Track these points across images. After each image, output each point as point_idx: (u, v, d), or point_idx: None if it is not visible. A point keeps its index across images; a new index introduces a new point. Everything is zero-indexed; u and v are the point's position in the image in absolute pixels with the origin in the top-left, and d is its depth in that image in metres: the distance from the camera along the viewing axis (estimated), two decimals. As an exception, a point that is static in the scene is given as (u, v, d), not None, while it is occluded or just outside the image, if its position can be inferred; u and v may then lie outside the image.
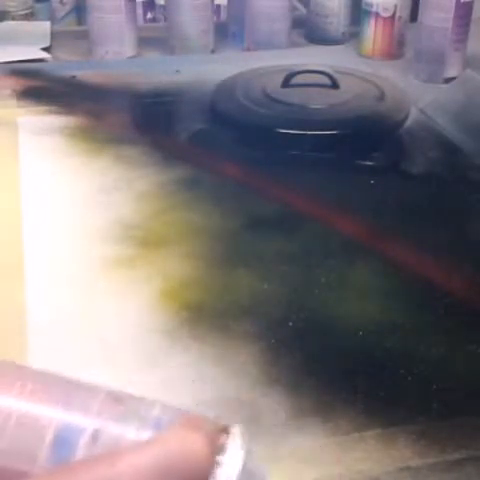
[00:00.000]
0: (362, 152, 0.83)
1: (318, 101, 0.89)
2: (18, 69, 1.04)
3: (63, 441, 0.29)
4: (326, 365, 0.51)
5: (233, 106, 0.89)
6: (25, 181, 0.75)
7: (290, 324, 0.55)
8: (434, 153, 0.86)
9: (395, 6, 1.09)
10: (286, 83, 0.92)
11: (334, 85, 0.92)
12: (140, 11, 1.31)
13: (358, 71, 1.00)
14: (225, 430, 0.29)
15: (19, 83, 0.99)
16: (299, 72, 0.92)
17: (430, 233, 0.68)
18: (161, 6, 1.34)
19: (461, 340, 0.54)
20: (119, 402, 0.30)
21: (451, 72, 1.02)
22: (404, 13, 1.11)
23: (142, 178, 0.76)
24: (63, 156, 0.80)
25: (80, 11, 1.32)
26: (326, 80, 0.92)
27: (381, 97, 0.91)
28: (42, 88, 0.99)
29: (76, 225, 0.67)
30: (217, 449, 0.28)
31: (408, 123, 0.89)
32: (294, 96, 0.90)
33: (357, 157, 0.82)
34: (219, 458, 0.28)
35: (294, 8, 1.23)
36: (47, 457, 0.28)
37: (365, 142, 0.85)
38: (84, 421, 0.29)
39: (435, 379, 0.50)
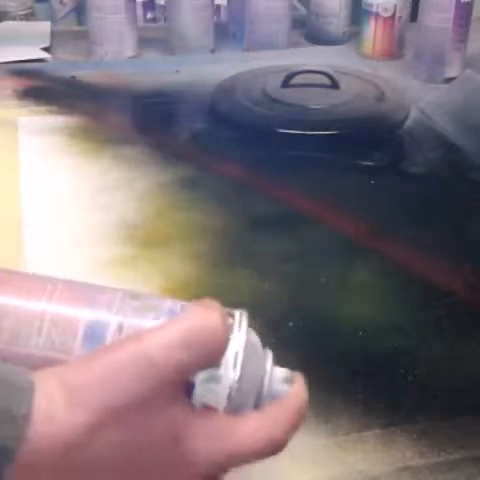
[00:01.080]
0: (362, 152, 0.83)
1: (318, 101, 0.89)
2: (18, 69, 1.04)
3: (92, 335, 0.33)
4: (326, 365, 0.51)
5: (233, 106, 0.89)
6: (25, 181, 0.75)
7: (290, 324, 0.55)
8: (434, 153, 0.86)
9: (395, 6, 1.09)
10: (286, 83, 0.92)
11: (334, 85, 0.92)
12: (140, 11, 1.31)
13: (358, 71, 1.00)
14: (230, 313, 0.35)
15: (19, 83, 0.99)
16: (299, 72, 0.93)
17: (430, 233, 0.68)
18: (161, 6, 1.34)
19: (461, 340, 0.54)
20: (135, 298, 0.34)
21: (451, 72, 1.02)
22: (404, 13, 1.11)
23: (142, 178, 0.76)
24: (63, 156, 0.80)
25: (80, 11, 1.32)
26: (326, 80, 0.92)
27: (381, 97, 0.91)
28: (42, 88, 0.99)
29: (77, 225, 0.67)
30: (228, 327, 0.33)
31: (408, 123, 0.89)
32: (294, 96, 0.90)
33: (357, 157, 0.82)
34: (230, 334, 0.33)
35: (294, 8, 1.23)
36: (80, 349, 0.32)
37: (365, 142, 0.85)
38: (108, 317, 0.33)
39: (435, 379, 0.50)
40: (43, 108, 0.92)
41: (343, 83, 0.92)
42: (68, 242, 0.65)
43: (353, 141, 0.84)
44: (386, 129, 0.88)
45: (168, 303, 0.34)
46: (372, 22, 1.10)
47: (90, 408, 0.30)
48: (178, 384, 0.32)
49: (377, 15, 1.09)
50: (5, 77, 1.01)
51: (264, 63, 1.01)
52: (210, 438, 0.33)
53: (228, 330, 0.33)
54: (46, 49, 1.13)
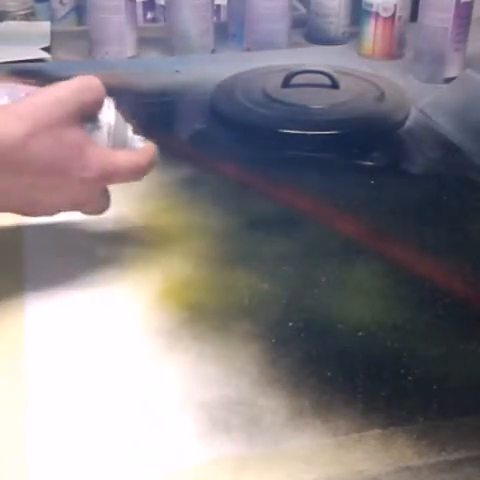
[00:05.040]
0: (362, 152, 0.83)
1: (318, 101, 0.89)
2: (18, 69, 1.04)
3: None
4: (326, 365, 0.51)
5: (233, 106, 0.89)
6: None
7: (290, 324, 0.55)
8: (434, 153, 0.86)
9: (395, 6, 1.09)
10: (286, 83, 0.92)
11: (334, 85, 0.92)
12: (140, 11, 1.31)
13: (358, 71, 1.00)
14: None
15: (19, 83, 0.99)
16: (299, 72, 0.93)
17: (430, 233, 0.69)
18: (161, 6, 1.34)
19: (461, 340, 0.54)
20: None
21: (451, 72, 1.02)
22: (404, 13, 1.11)
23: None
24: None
25: (80, 11, 1.32)
26: (326, 80, 0.92)
27: (381, 97, 0.91)
28: (42, 88, 0.99)
29: (76, 225, 0.67)
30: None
31: (408, 123, 0.89)
32: (294, 96, 0.90)
33: (357, 157, 0.82)
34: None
35: (294, 8, 1.23)
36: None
37: (365, 142, 0.85)
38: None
39: (435, 379, 0.50)
40: (43, 108, 0.92)
41: (343, 83, 0.92)
42: (67, 242, 0.65)
43: (353, 141, 0.84)
44: (386, 129, 0.88)
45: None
46: (372, 22, 1.10)
47: (28, 122, 0.49)
48: (78, 117, 0.51)
49: (377, 15, 1.10)
50: (5, 77, 1.01)
51: (264, 63, 1.01)
52: (101, 153, 0.52)
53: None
54: (46, 49, 1.13)
